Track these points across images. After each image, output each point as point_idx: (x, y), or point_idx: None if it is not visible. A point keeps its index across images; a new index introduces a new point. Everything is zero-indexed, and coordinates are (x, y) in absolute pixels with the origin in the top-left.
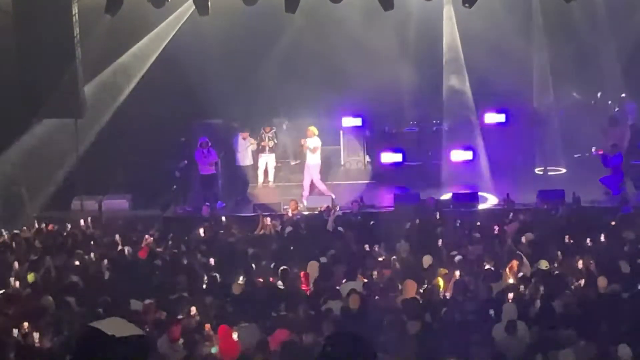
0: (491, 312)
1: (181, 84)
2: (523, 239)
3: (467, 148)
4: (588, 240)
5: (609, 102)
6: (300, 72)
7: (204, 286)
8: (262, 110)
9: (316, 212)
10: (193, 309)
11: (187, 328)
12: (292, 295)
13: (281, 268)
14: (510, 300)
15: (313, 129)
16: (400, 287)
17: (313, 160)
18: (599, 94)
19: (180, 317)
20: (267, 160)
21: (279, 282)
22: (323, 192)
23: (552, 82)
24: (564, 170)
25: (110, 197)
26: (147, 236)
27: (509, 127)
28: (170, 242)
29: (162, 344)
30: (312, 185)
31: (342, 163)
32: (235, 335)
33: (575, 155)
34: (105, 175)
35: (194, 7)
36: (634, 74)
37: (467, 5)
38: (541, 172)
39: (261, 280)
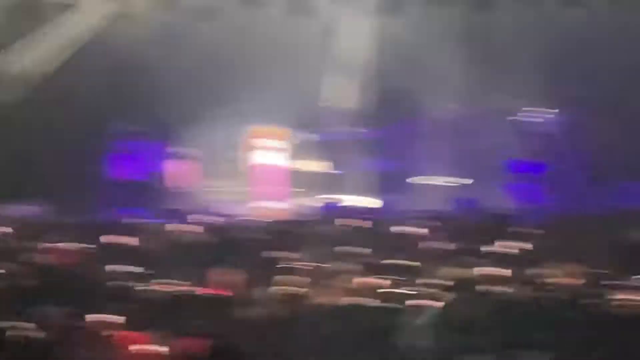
0: (406, 317)
1: (95, 90)
2: (435, 246)
3: (387, 157)
4: (497, 246)
5: (523, 111)
6: (216, 79)
7: (120, 292)
8: (174, 118)
9: (233, 220)
10: (108, 315)
11: (98, 333)
12: (208, 302)
13: (196, 274)
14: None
15: (274, 131)
16: (311, 294)
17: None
18: (513, 104)
19: (92, 322)
20: (185, 167)
21: (195, 289)
22: None
23: (467, 91)
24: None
25: (22, 203)
26: (60, 243)
27: (426, 137)
28: (86, 249)
29: (73, 351)
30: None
31: None
32: (150, 342)
33: (488, 164)
34: (17, 180)
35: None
36: (553, 83)
37: (391, 14)
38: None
39: (178, 287)
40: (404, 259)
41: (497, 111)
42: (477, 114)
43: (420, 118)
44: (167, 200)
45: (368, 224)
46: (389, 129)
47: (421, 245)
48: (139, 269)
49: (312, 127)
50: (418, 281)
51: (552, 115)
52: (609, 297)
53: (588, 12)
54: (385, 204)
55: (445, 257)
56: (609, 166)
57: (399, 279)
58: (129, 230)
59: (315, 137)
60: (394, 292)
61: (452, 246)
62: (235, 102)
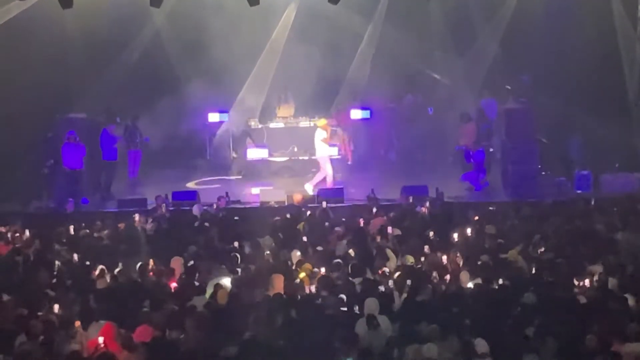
0: (355, 307)
1: (42, 78)
2: (389, 234)
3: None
4: (453, 235)
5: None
6: (165, 67)
7: (68, 282)
8: (127, 105)
9: (182, 208)
10: (56, 306)
11: (47, 324)
12: (156, 291)
13: (139, 264)
14: (373, 295)
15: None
16: (267, 282)
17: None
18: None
19: (40, 313)
20: (136, 155)
21: (142, 278)
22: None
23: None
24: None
25: None
26: (6, 232)
27: (374, 124)
28: (32, 238)
29: (22, 341)
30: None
31: (208, 158)
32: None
33: (456, 149)
34: None
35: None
36: (496, 70)
37: (332, 1)
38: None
39: (126, 276)
40: (355, 247)
41: (449, 100)
42: (430, 103)
43: (372, 106)
44: (113, 190)
45: (318, 211)
46: (338, 116)
47: (374, 233)
48: (85, 258)
49: (258, 115)
50: (369, 269)
51: (505, 104)
52: (563, 282)
53: None
54: (338, 191)
55: (395, 245)
56: (562, 155)
57: (349, 267)
58: (76, 219)
59: (259, 125)
60: (344, 280)
61: (404, 233)
62: (181, 92)
